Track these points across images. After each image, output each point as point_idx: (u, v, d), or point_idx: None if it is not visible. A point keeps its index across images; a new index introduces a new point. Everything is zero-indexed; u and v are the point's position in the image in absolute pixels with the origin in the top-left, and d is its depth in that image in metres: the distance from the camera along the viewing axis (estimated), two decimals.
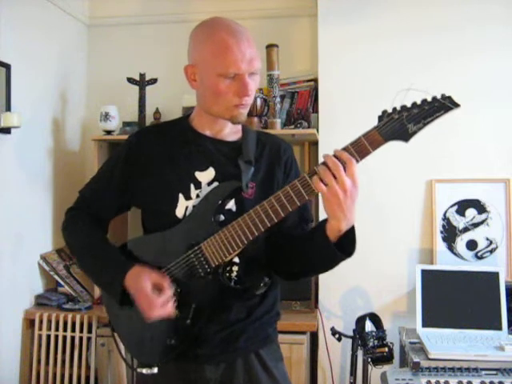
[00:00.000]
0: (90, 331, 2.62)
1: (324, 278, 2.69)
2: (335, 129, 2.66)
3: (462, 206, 2.62)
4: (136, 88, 2.91)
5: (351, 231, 1.24)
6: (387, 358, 2.21)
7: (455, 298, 2.41)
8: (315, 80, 2.84)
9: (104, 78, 3.18)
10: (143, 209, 1.49)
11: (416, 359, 2.09)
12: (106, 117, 2.87)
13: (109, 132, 2.90)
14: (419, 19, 2.65)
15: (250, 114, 2.57)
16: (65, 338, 2.65)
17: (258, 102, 2.67)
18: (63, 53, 3.02)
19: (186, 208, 1.38)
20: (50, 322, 2.64)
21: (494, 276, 2.42)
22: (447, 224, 2.62)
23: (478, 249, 2.60)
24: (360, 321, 2.30)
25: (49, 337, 2.65)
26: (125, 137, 1.62)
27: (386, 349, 2.20)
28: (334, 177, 1.16)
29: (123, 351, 1.60)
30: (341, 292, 2.69)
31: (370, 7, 2.69)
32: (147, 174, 1.42)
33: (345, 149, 1.18)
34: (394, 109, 1.16)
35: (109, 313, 1.51)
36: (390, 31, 2.67)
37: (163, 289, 1.30)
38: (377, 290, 2.66)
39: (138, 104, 2.90)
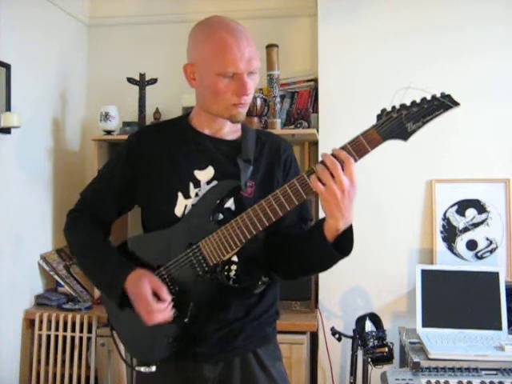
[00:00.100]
0: (89, 331, 2.62)
1: (324, 278, 2.69)
2: (335, 129, 2.65)
3: (462, 206, 2.61)
4: (136, 88, 2.91)
5: (349, 230, 1.24)
6: (387, 358, 2.20)
7: (455, 298, 2.41)
8: (315, 80, 2.84)
9: (104, 78, 3.18)
10: (143, 208, 1.49)
11: (416, 359, 2.09)
12: (105, 117, 2.87)
13: (109, 132, 2.90)
14: (419, 19, 2.65)
15: (249, 114, 2.58)
16: (65, 338, 2.65)
17: (258, 102, 2.66)
18: (63, 53, 3.02)
19: (185, 207, 1.38)
20: (50, 322, 2.64)
21: (494, 276, 2.42)
22: (447, 224, 2.62)
23: (478, 249, 2.60)
24: (360, 321, 2.29)
25: (49, 337, 2.65)
26: (125, 137, 1.62)
27: (386, 349, 2.20)
28: (332, 176, 1.16)
29: (123, 351, 1.60)
30: (341, 292, 2.69)
31: (370, 7, 2.69)
32: (147, 174, 1.42)
33: (343, 148, 1.18)
34: (393, 107, 1.15)
35: (108, 311, 1.51)
36: (390, 31, 2.67)
37: (162, 295, 1.30)
38: (377, 290, 2.66)
39: (138, 104, 2.90)
